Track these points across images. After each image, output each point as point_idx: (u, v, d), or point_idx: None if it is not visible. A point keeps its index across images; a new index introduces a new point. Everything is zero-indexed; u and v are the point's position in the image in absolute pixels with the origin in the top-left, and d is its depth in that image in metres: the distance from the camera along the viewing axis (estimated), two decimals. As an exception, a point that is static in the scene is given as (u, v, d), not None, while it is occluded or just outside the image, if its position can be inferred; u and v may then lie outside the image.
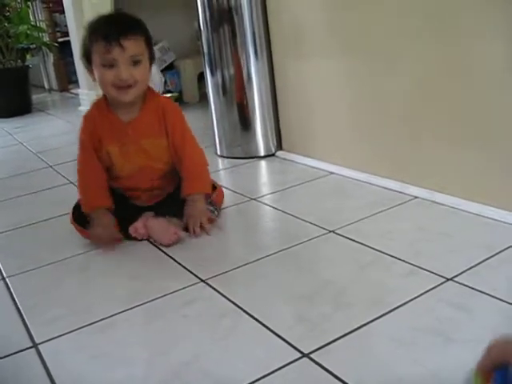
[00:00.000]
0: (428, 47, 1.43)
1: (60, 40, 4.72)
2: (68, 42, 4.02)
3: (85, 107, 3.72)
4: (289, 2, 1.87)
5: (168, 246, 1.38)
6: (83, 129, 1.48)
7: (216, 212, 1.52)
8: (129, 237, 1.43)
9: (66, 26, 4.10)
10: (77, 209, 1.51)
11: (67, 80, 4.86)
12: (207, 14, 2.02)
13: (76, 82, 4.18)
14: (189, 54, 3.50)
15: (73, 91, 4.60)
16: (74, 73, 4.05)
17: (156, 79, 3.05)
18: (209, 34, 2.05)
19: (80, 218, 1.48)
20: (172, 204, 1.48)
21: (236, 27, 1.98)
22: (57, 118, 3.66)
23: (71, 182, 2.03)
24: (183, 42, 3.54)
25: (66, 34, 4.23)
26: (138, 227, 1.41)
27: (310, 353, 0.91)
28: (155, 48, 3.29)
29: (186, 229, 1.43)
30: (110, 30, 1.34)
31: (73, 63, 3.94)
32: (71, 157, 2.39)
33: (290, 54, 1.94)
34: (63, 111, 3.97)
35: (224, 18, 1.99)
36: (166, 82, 3.36)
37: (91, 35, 1.37)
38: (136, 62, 1.36)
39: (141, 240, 1.43)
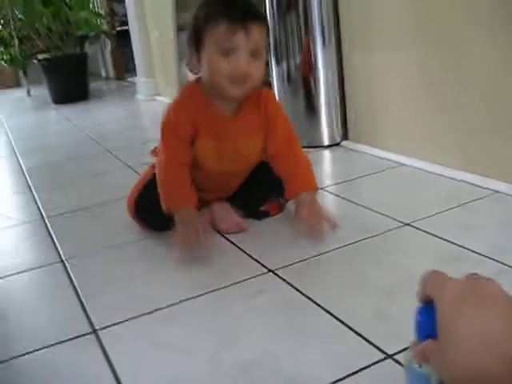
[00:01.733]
0: (503, 33, 1.32)
1: (118, 29, 4.74)
2: (125, 32, 4.02)
3: (142, 95, 3.71)
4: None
5: (226, 232, 1.32)
6: (176, 113, 1.27)
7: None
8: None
9: (124, 15, 4.10)
10: (140, 203, 1.36)
11: (124, 69, 4.87)
12: (274, 0, 1.95)
13: (132, 71, 4.18)
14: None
15: (129, 79, 4.61)
16: (131, 61, 4.04)
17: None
18: (275, 22, 1.97)
19: (143, 211, 1.36)
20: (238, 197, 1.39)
21: (304, 14, 1.90)
22: (114, 106, 3.66)
23: (129, 166, 1.99)
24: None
25: (124, 23, 4.23)
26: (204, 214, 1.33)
27: (394, 354, 0.82)
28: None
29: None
30: (235, 10, 1.14)
31: (130, 53, 3.94)
32: (128, 142, 2.39)
33: (359, 42, 1.85)
34: (120, 99, 3.98)
35: (292, 4, 1.91)
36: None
37: (209, 14, 1.16)
38: (256, 55, 1.16)
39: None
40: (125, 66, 4.85)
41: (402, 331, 0.87)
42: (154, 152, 1.38)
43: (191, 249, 1.18)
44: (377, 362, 0.81)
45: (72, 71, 3.88)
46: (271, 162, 1.33)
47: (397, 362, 0.81)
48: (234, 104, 1.27)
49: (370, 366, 0.81)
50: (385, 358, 0.82)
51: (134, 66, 3.89)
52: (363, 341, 0.86)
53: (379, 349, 0.84)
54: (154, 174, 1.32)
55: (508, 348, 0.43)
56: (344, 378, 0.79)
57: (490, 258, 1.08)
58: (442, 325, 0.48)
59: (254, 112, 1.28)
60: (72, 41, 3.94)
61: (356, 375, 0.79)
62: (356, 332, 0.89)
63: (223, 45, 1.13)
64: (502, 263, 1.06)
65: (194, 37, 1.19)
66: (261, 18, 1.18)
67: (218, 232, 1.34)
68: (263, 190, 1.37)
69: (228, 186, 1.39)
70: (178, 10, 3.41)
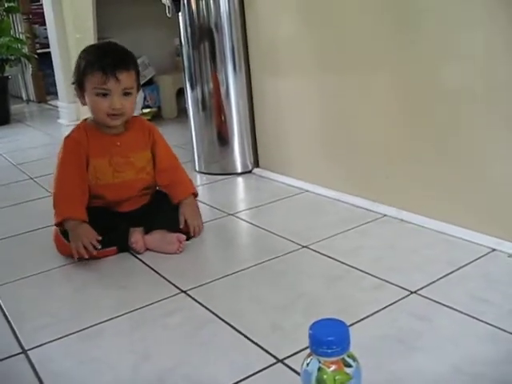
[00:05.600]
0: (404, 66, 1.50)
1: (39, 51, 4.75)
2: (47, 54, 4.04)
3: (64, 119, 3.76)
4: (267, 20, 1.97)
5: (176, 253, 1.47)
6: (71, 141, 1.54)
7: None
8: (124, 249, 1.51)
9: (45, 37, 4.12)
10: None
11: (45, 91, 4.88)
12: (188, 31, 2.11)
13: (54, 94, 4.20)
14: (168, 69, 3.58)
15: (51, 103, 4.62)
16: (53, 84, 4.07)
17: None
18: (190, 51, 2.13)
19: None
20: (153, 215, 1.56)
21: (216, 44, 2.07)
22: (36, 130, 3.69)
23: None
24: (163, 58, 3.61)
25: (45, 45, 4.25)
26: (137, 239, 1.49)
27: (284, 358, 0.99)
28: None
29: (178, 230, 1.52)
30: (106, 62, 1.45)
31: (51, 75, 3.97)
32: (52, 169, 2.45)
33: (267, 71, 2.02)
34: (42, 123, 4.00)
35: (204, 35, 2.08)
36: (145, 98, 3.42)
37: (87, 66, 1.47)
38: (127, 94, 1.49)
39: (139, 253, 1.50)
40: (46, 88, 4.86)
41: (292, 339, 1.05)
42: None
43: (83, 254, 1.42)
44: (269, 366, 0.98)
45: (-8, 95, 3.88)
46: (158, 176, 1.61)
47: (286, 365, 0.98)
48: (118, 129, 1.55)
49: (263, 369, 0.97)
50: (276, 362, 0.99)
51: (56, 88, 3.93)
52: (258, 348, 1.03)
53: (272, 355, 1.01)
54: None
55: None
56: (242, 380, 0.95)
57: (372, 275, 1.28)
58: None
59: (139, 132, 1.59)
60: (-8, 65, 3.94)
61: (252, 377, 0.95)
62: (253, 341, 1.05)
63: (100, 90, 1.46)
64: (382, 279, 1.25)
65: (78, 83, 1.51)
66: (128, 66, 1.48)
67: (134, 256, 1.48)
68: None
69: (136, 194, 1.59)
70: (101, 36, 3.50)
